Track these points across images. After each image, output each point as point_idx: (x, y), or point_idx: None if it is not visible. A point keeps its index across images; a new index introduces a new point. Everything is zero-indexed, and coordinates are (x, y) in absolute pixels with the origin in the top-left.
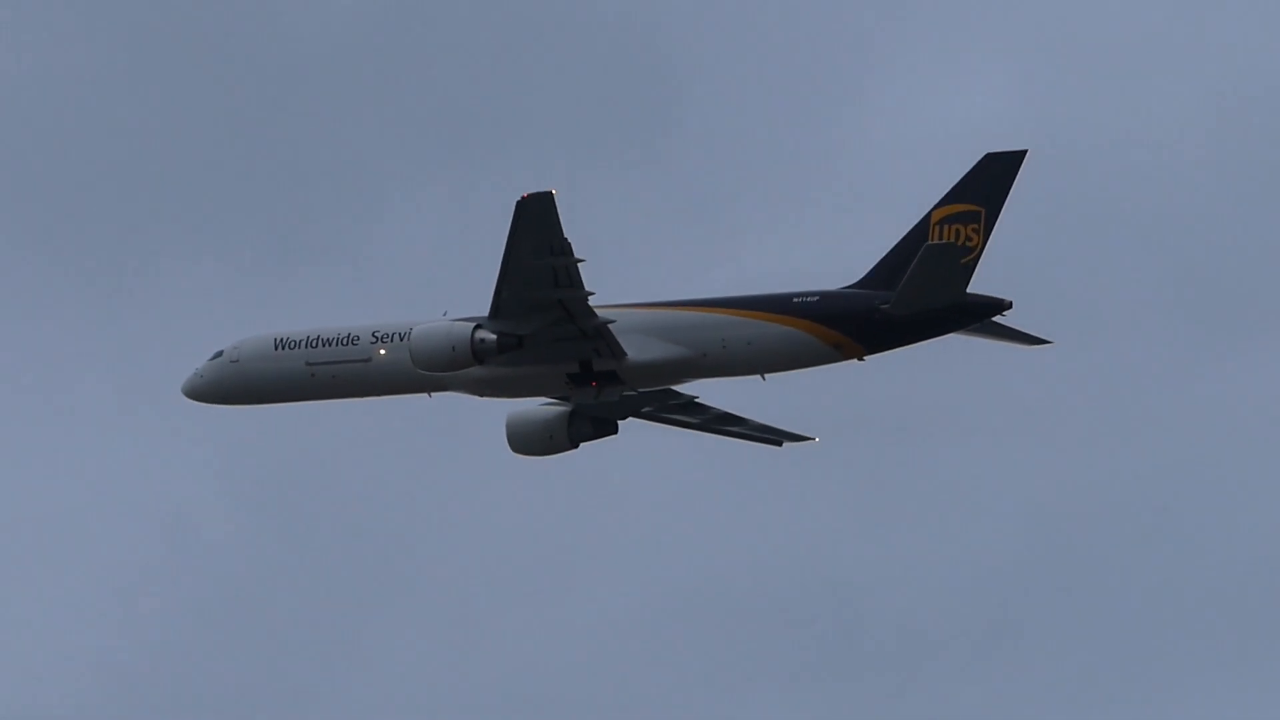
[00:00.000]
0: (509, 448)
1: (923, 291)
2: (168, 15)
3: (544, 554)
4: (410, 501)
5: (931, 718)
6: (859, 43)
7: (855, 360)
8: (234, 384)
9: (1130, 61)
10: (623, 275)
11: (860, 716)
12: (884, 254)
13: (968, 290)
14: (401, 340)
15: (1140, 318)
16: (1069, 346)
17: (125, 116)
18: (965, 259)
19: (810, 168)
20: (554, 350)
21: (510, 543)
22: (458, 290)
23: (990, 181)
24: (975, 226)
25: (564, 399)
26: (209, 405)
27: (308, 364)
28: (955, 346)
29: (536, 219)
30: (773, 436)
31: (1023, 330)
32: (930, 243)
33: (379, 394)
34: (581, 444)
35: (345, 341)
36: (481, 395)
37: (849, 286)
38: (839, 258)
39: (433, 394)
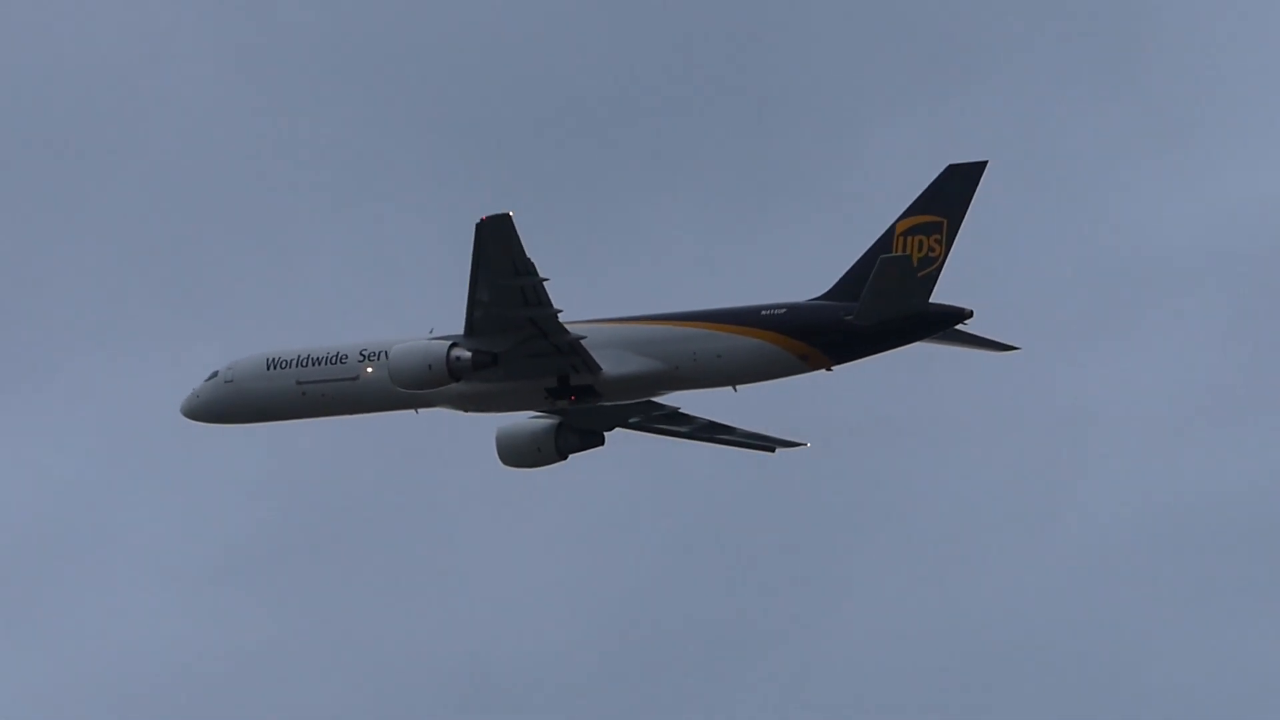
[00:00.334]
0: (499, 461)
1: (883, 303)
2: None
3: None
4: (430, 515)
5: None
6: None
7: (824, 370)
8: (229, 404)
9: None
10: None
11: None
12: (851, 265)
13: (930, 300)
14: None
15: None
16: (1035, 351)
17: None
18: (925, 270)
19: None
20: (531, 366)
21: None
22: None
23: (952, 193)
24: (938, 237)
25: (552, 412)
26: (207, 425)
27: (298, 383)
28: (924, 354)
29: (496, 241)
30: (764, 443)
31: (989, 337)
32: (884, 255)
33: (368, 411)
34: (570, 455)
35: (334, 360)
36: (466, 410)
37: (818, 298)
38: None
39: (419, 410)
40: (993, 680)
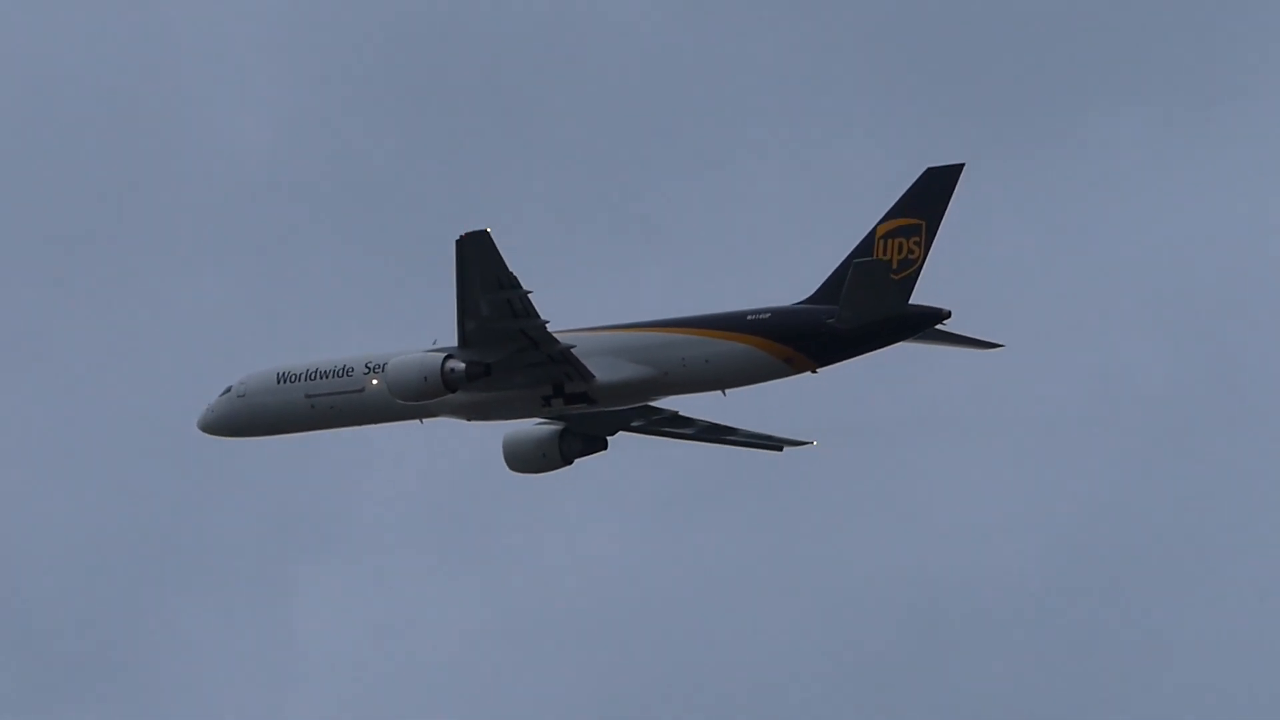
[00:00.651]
0: (506, 467)
1: (861, 306)
2: None
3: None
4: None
5: None
6: None
7: (809, 373)
8: (242, 418)
9: None
10: None
11: None
12: (834, 269)
13: (910, 301)
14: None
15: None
16: (1018, 348)
17: None
18: (905, 272)
19: None
20: (525, 375)
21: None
22: None
23: (930, 195)
24: (917, 239)
25: (556, 419)
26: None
27: (307, 396)
28: (909, 354)
29: (477, 256)
30: (771, 442)
31: (973, 336)
32: (856, 260)
33: (375, 422)
34: (576, 460)
35: (341, 373)
36: (469, 419)
37: (802, 301)
38: None
39: (424, 420)
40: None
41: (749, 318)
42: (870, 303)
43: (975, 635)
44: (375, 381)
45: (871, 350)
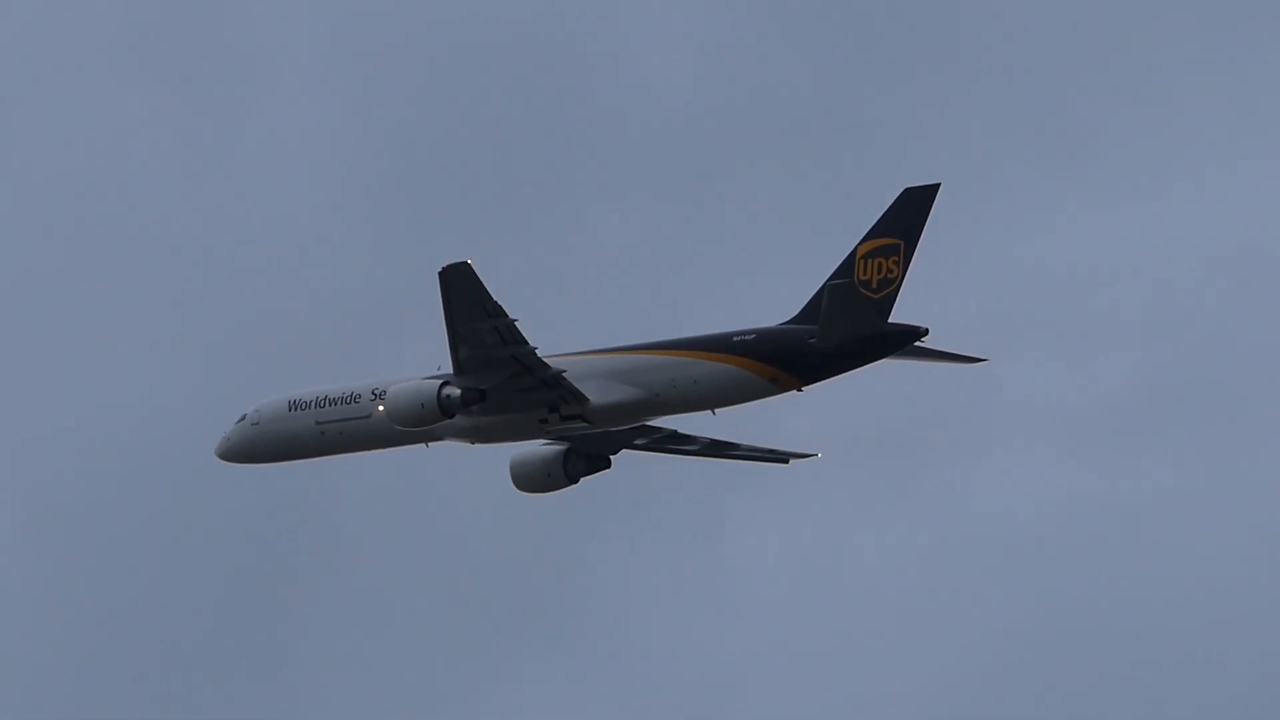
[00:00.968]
0: (514, 487)
1: (839, 326)
2: None
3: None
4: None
5: None
6: None
7: (795, 391)
8: (257, 445)
9: None
10: None
11: None
12: (818, 289)
13: (890, 319)
14: None
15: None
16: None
17: None
18: (884, 291)
19: None
20: (520, 399)
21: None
22: None
23: (908, 215)
24: (895, 259)
25: (558, 439)
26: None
27: (317, 423)
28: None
29: (461, 287)
30: (776, 455)
31: (956, 352)
32: (830, 283)
33: (383, 446)
34: (581, 479)
35: (349, 400)
36: (473, 442)
37: (787, 321)
38: None
39: (429, 444)
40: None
41: (735, 339)
42: (846, 323)
43: None
44: (382, 408)
45: (854, 368)
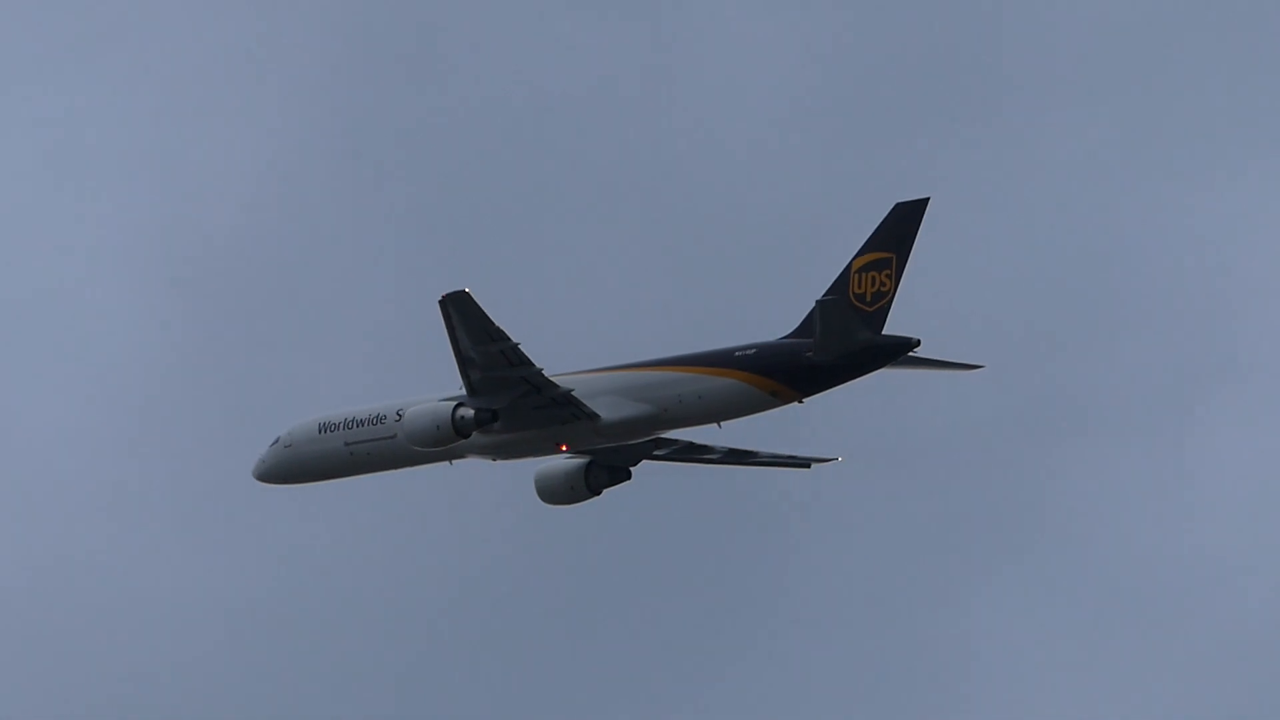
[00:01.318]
0: (539, 500)
1: (833, 340)
2: None
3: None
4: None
5: None
6: None
7: (796, 403)
8: (291, 466)
9: None
10: None
11: None
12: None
13: (884, 331)
14: None
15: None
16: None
17: None
18: (877, 304)
19: None
20: (532, 417)
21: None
22: None
23: (899, 229)
24: (888, 272)
25: (580, 453)
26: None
27: (346, 444)
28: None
29: (462, 315)
30: (797, 461)
31: (952, 360)
32: (820, 300)
33: (408, 465)
34: (604, 491)
35: (374, 421)
36: (495, 459)
37: (787, 335)
38: None
39: (453, 462)
40: None
41: (737, 354)
42: (839, 337)
43: None
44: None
45: (852, 379)
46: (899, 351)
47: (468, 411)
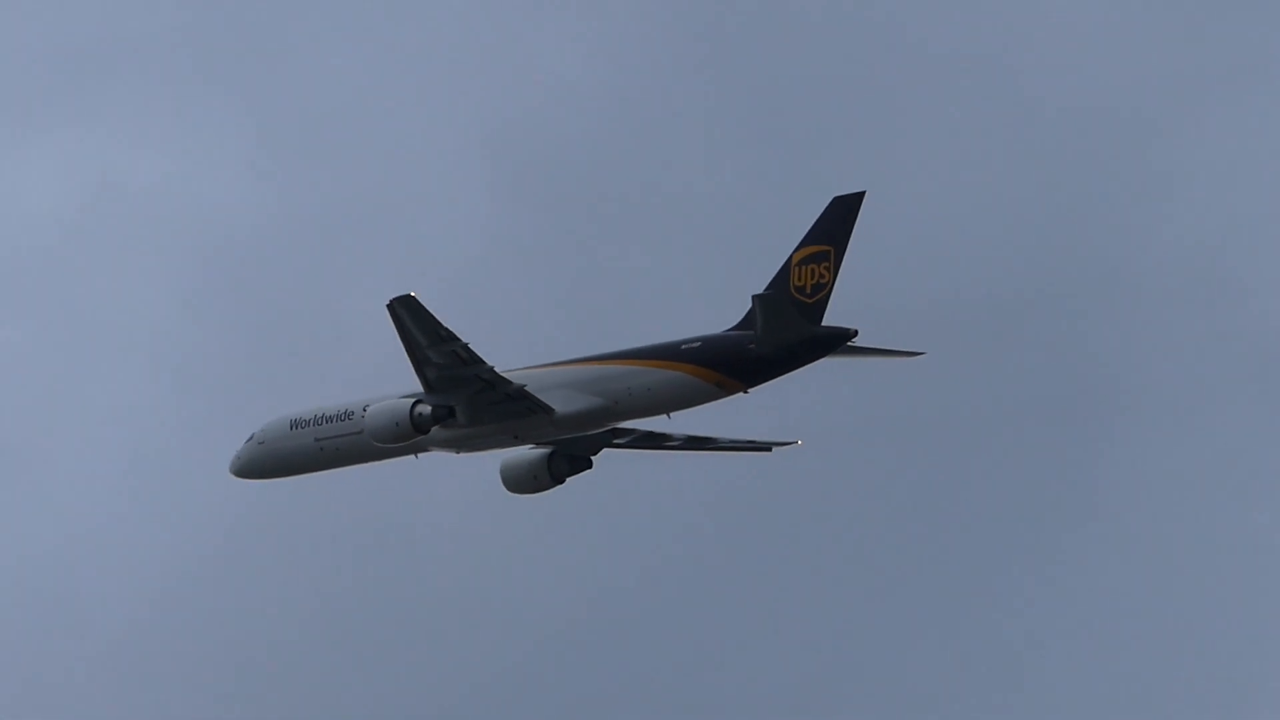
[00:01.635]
0: (504, 489)
1: (773, 333)
2: None
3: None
4: None
5: None
6: None
7: (741, 393)
8: (265, 462)
9: None
10: None
11: None
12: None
13: (823, 323)
14: None
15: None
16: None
17: None
18: (816, 296)
19: None
20: (491, 412)
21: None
22: None
23: (837, 222)
24: (827, 264)
25: (546, 443)
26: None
27: (316, 440)
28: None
29: (410, 317)
30: (757, 445)
31: (893, 348)
32: (756, 294)
33: (376, 459)
34: (567, 479)
35: (342, 417)
36: (458, 452)
37: (732, 328)
38: None
39: (419, 455)
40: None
41: (683, 347)
42: (777, 329)
43: None
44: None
45: (794, 369)
46: (838, 342)
47: (425, 408)
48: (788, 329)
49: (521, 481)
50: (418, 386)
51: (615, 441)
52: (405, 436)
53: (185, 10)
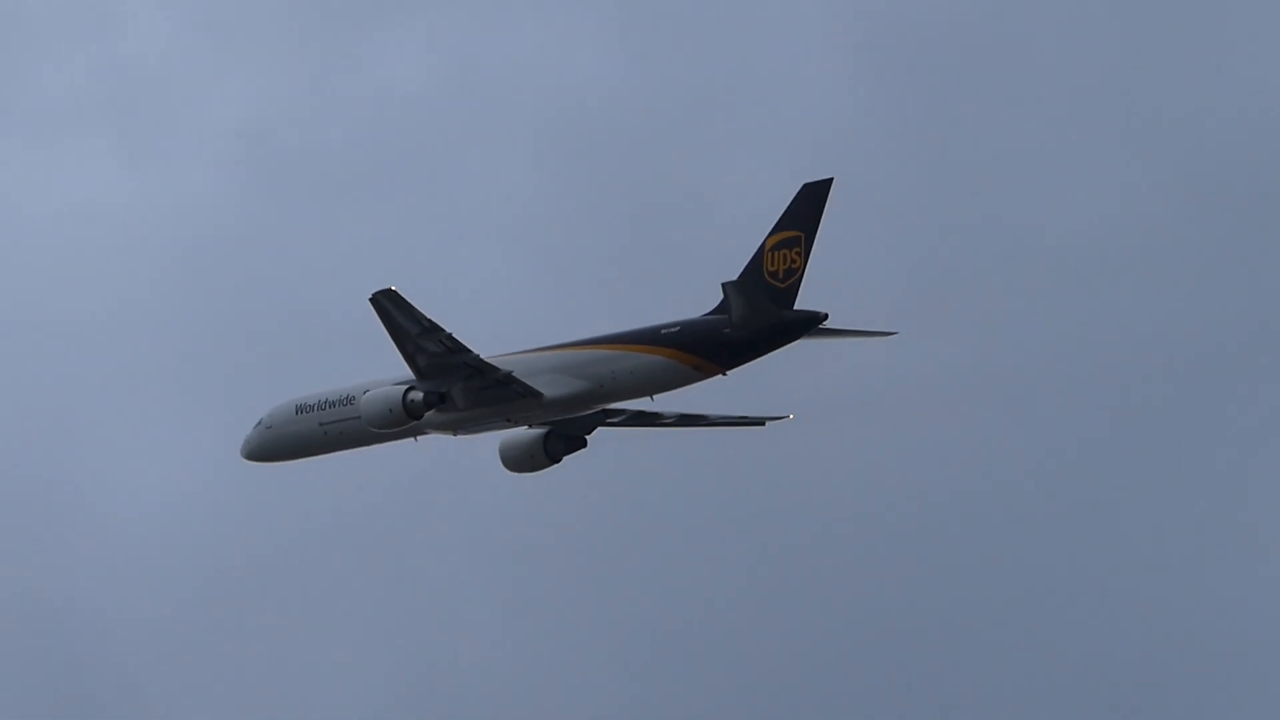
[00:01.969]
0: (503, 469)
1: (743, 317)
2: None
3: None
4: None
5: None
6: None
7: (719, 376)
8: (273, 446)
9: None
10: None
11: None
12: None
13: (796, 306)
14: None
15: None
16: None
17: None
18: (788, 281)
19: None
20: (479, 397)
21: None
22: None
23: (807, 209)
24: (798, 250)
25: (541, 424)
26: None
27: (320, 424)
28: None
29: (394, 309)
30: (749, 420)
31: (867, 329)
32: (724, 282)
33: (377, 442)
34: (564, 458)
35: (344, 402)
36: (455, 434)
37: (710, 312)
38: None
39: (418, 438)
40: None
41: (663, 331)
42: (749, 314)
43: None
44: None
45: (769, 352)
46: (809, 325)
47: (417, 395)
48: (758, 314)
49: (520, 461)
50: None
51: (609, 421)
52: (399, 422)
53: None
